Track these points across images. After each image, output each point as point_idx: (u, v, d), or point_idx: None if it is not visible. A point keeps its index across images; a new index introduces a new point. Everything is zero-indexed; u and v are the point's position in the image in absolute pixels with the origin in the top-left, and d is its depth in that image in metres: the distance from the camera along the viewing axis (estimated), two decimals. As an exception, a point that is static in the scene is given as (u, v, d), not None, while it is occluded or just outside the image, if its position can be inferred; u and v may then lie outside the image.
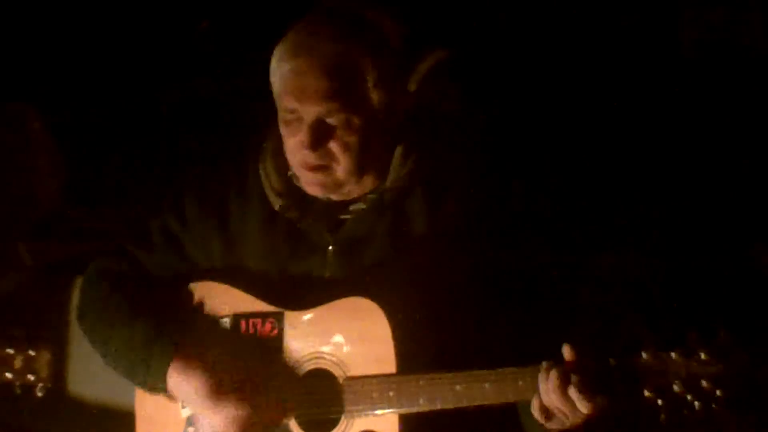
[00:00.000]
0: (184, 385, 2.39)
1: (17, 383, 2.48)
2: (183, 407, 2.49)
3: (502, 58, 4.02)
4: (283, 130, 2.40)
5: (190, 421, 2.48)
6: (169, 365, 2.40)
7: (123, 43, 4.07)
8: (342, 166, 2.37)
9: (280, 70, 2.36)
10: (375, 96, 2.35)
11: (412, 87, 3.48)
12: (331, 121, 2.33)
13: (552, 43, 4.16)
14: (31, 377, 2.47)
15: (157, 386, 2.43)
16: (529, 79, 4.05)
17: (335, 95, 2.31)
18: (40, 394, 2.48)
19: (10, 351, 2.47)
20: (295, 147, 2.38)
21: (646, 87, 4.16)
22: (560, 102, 4.05)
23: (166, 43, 4.08)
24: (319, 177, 2.39)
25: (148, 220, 2.59)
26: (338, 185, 2.41)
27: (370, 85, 2.34)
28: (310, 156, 2.36)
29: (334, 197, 2.46)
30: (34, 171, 3.92)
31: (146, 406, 2.55)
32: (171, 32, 4.10)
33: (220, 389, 2.38)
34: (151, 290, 2.54)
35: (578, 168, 3.98)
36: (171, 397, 2.46)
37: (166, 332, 2.45)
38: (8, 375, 2.47)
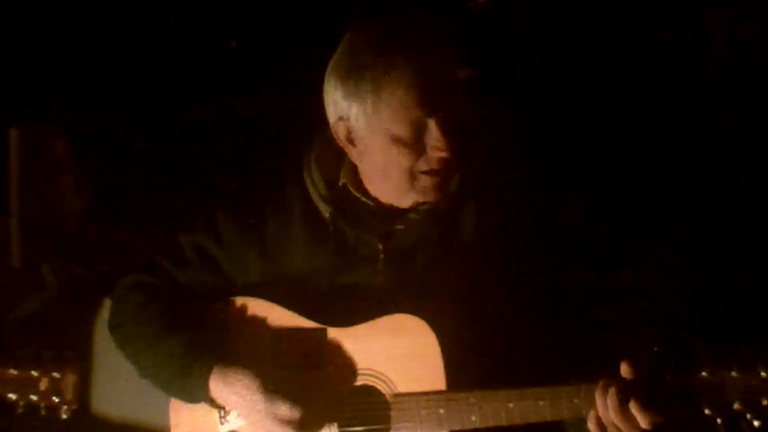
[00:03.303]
0: (228, 390, 2.37)
1: (42, 405, 2.47)
2: (221, 423, 2.48)
3: (538, 77, 4.03)
4: (391, 153, 2.37)
5: None
6: (211, 371, 2.38)
7: (150, 62, 4.09)
8: (457, 168, 2.40)
9: (391, 91, 2.33)
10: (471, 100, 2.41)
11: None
12: (460, 124, 2.35)
13: (590, 62, 4.17)
14: (56, 399, 2.46)
15: (198, 393, 2.41)
16: (546, 92, 4.05)
17: (459, 101, 2.35)
18: (65, 416, 2.47)
19: (35, 373, 2.46)
20: (418, 160, 2.36)
21: (675, 105, 4.16)
22: (595, 122, 4.05)
23: (194, 61, 4.10)
24: (438, 180, 2.39)
25: (180, 237, 2.57)
26: (446, 187, 2.42)
27: (467, 90, 2.39)
28: (446, 159, 2.35)
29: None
30: (59, 191, 3.94)
31: (181, 424, 2.53)
32: (199, 51, 4.12)
33: (268, 390, 2.36)
34: (187, 303, 2.52)
35: (613, 185, 3.98)
36: (213, 406, 2.43)
37: (207, 340, 2.44)
38: (33, 397, 2.46)
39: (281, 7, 4.09)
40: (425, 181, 2.38)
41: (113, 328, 2.58)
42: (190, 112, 4.11)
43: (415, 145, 2.35)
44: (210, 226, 2.54)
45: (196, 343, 2.44)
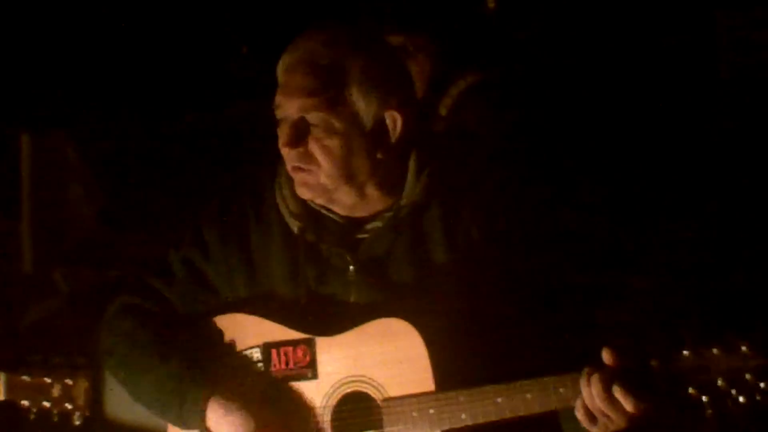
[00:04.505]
0: (223, 421, 2.38)
1: (55, 411, 2.47)
2: None
3: (535, 75, 4.03)
4: (279, 133, 2.43)
5: None
6: (206, 400, 2.38)
7: (161, 69, 4.10)
8: (324, 171, 2.37)
9: (278, 72, 2.42)
10: (361, 105, 2.36)
11: (443, 111, 3.49)
12: (311, 119, 2.35)
13: (585, 61, 4.16)
14: (69, 406, 2.47)
15: (193, 422, 2.41)
16: (555, 95, 4.05)
17: (314, 92, 2.34)
18: (77, 423, 2.48)
19: (48, 379, 2.47)
20: (281, 147, 2.40)
21: (682, 107, 4.15)
22: (598, 122, 4.05)
23: (206, 67, 4.11)
24: (302, 176, 2.40)
25: (168, 254, 2.57)
26: (325, 190, 2.40)
27: (353, 90, 2.36)
28: (290, 154, 2.38)
29: (339, 210, 2.45)
30: (70, 197, 3.95)
31: None
32: (211, 57, 4.13)
33: (261, 428, 2.37)
34: (178, 325, 2.51)
35: (599, 181, 3.98)
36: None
37: (200, 366, 2.44)
38: (46, 403, 2.47)
39: (291, 11, 4.11)
40: (293, 176, 2.42)
41: (104, 353, 2.57)
42: (201, 118, 4.12)
43: (281, 134, 2.40)
44: (197, 241, 2.54)
45: (190, 368, 2.43)
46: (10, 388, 2.48)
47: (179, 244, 2.57)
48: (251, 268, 2.50)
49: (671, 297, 3.69)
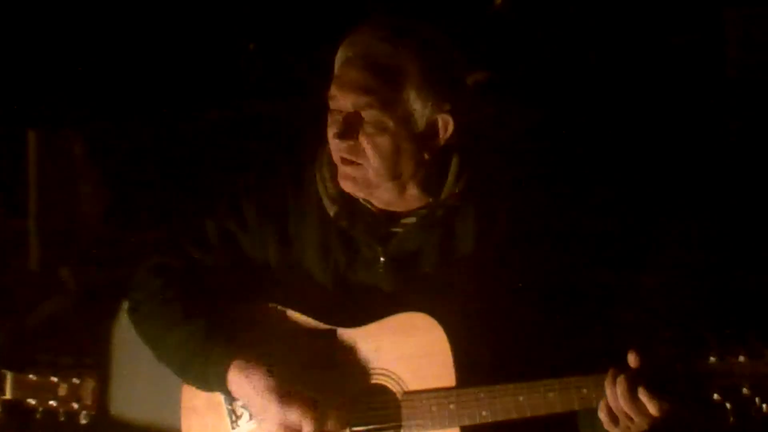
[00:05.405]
0: (246, 384, 2.39)
1: (61, 411, 2.48)
2: (233, 428, 2.48)
3: (552, 79, 4.02)
4: (328, 122, 2.43)
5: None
6: (232, 360, 2.40)
7: (168, 66, 4.10)
8: (372, 166, 2.39)
9: (335, 62, 2.42)
10: (416, 107, 2.37)
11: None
12: (364, 115, 2.36)
13: (601, 64, 4.16)
14: (75, 405, 2.48)
15: (215, 379, 2.42)
16: (560, 93, 4.04)
17: (371, 90, 2.35)
18: (84, 422, 2.49)
19: (55, 379, 2.47)
20: (330, 138, 2.41)
21: (691, 106, 4.14)
22: (608, 123, 4.04)
23: (213, 64, 4.11)
24: (348, 170, 2.41)
25: (205, 222, 2.59)
26: (369, 185, 2.43)
27: (410, 92, 2.37)
28: (340, 146, 2.39)
29: (377, 203, 2.47)
30: (77, 194, 3.95)
31: (192, 429, 2.55)
32: (218, 54, 4.13)
33: (283, 392, 2.37)
34: (207, 289, 2.54)
35: (625, 186, 3.97)
36: (225, 394, 2.45)
37: (225, 331, 2.45)
38: (52, 402, 2.48)
39: (298, 9, 4.11)
40: (339, 168, 2.43)
41: (131, 309, 2.60)
42: (209, 116, 4.12)
43: (331, 124, 2.42)
44: (235, 212, 2.56)
45: (216, 330, 2.45)
46: (16, 387, 2.48)
47: (216, 213, 2.58)
48: (286, 243, 2.53)
49: (692, 297, 3.68)
